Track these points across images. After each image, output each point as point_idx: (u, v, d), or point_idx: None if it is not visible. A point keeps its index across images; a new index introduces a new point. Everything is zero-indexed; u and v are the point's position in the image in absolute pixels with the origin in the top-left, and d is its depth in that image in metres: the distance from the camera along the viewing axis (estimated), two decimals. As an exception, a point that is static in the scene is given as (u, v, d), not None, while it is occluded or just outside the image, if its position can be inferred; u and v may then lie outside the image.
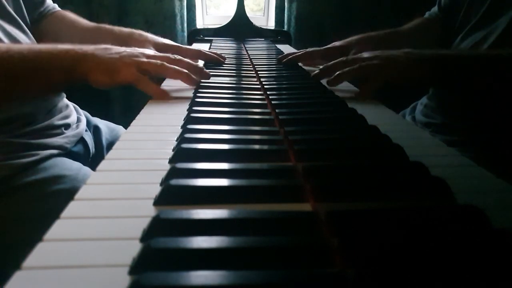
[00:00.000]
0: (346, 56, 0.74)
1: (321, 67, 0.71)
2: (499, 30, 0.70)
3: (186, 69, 0.65)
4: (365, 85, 0.66)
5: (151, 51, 0.66)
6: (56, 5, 0.86)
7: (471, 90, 0.71)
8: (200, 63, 0.84)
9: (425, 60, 0.65)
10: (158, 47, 0.82)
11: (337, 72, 0.65)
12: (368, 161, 0.39)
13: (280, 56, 0.93)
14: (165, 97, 0.62)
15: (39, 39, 0.76)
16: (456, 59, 0.67)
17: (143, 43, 0.81)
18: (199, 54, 0.87)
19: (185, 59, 0.67)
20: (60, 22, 0.84)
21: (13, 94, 0.58)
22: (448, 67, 0.65)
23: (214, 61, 0.87)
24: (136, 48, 0.64)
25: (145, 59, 0.62)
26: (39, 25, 0.81)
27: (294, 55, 0.92)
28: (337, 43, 0.90)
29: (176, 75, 0.64)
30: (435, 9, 0.93)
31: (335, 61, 0.69)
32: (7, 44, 0.55)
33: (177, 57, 0.66)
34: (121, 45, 0.64)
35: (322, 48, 0.90)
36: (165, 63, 0.63)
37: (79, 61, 0.57)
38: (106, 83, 0.59)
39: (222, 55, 0.90)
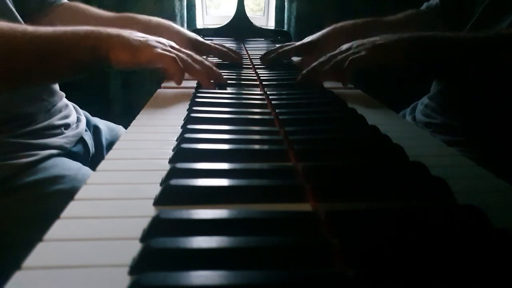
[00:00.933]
0: (320, 50, 0.72)
1: (303, 71, 0.68)
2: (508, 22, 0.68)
3: (207, 71, 0.64)
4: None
5: (175, 45, 0.65)
6: None
7: (462, 76, 0.68)
8: None
9: (409, 40, 0.62)
10: (188, 41, 0.80)
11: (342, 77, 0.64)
12: (368, 161, 0.39)
13: (262, 58, 0.91)
14: (180, 81, 0.61)
15: None
16: (445, 40, 0.63)
17: (175, 38, 0.76)
18: (224, 54, 0.87)
19: (207, 63, 0.66)
20: (70, 13, 0.82)
21: (40, 74, 0.57)
22: (435, 48, 0.62)
23: (235, 61, 0.86)
24: (162, 39, 0.64)
25: (169, 48, 0.61)
26: (45, 18, 0.79)
27: (270, 56, 0.90)
28: (307, 40, 0.88)
29: (197, 75, 0.64)
30: (434, 1, 0.88)
31: (318, 62, 0.67)
32: (33, 26, 0.55)
33: (200, 58, 0.66)
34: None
35: (295, 45, 0.88)
36: (189, 60, 0.62)
37: (102, 40, 0.57)
38: (127, 62, 0.58)
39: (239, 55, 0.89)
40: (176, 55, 0.61)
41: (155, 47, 0.60)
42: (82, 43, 0.57)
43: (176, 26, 0.84)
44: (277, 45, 0.95)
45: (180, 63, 0.60)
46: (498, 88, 0.70)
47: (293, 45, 0.89)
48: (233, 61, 0.87)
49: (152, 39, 0.62)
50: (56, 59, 0.56)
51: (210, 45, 0.86)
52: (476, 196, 0.32)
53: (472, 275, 0.22)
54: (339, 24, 0.86)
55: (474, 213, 0.27)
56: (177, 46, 0.65)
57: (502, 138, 0.70)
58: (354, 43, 0.66)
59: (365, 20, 0.87)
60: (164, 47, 0.61)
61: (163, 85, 0.72)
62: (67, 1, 0.84)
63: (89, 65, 0.59)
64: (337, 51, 0.67)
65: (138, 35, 0.61)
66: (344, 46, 0.67)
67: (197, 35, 0.86)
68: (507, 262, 0.23)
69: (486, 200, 0.31)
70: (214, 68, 0.68)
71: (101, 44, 0.57)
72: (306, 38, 0.89)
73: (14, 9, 0.69)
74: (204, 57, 0.71)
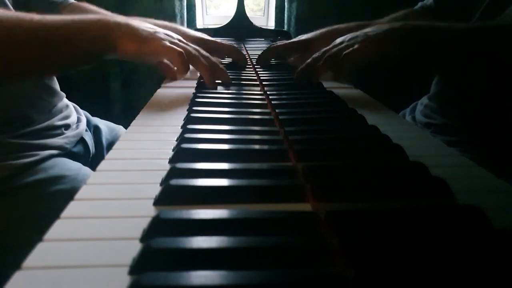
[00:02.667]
0: (314, 48, 0.72)
1: (298, 69, 0.68)
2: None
3: (212, 68, 0.64)
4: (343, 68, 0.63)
5: (183, 40, 0.65)
6: None
7: (457, 67, 0.66)
8: None
9: (402, 29, 0.60)
10: (194, 40, 0.80)
11: (337, 70, 0.63)
12: (368, 161, 0.39)
13: (258, 60, 0.91)
14: (182, 74, 0.61)
15: None
16: (440, 29, 0.61)
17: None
18: (232, 50, 0.86)
19: (213, 59, 0.66)
20: (79, 12, 0.81)
21: (47, 63, 0.57)
22: (430, 37, 0.61)
23: (240, 61, 0.86)
24: (170, 32, 0.64)
25: (177, 41, 0.61)
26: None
27: (263, 54, 0.89)
28: (303, 37, 0.87)
29: (202, 69, 0.63)
30: (428, 1, 0.88)
31: (312, 58, 0.67)
32: (40, 15, 0.54)
33: (206, 54, 0.65)
34: None
35: (282, 44, 0.89)
36: (197, 53, 0.62)
37: (111, 29, 0.57)
38: (134, 52, 0.57)
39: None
40: (184, 48, 0.61)
41: (163, 39, 0.59)
42: (90, 31, 0.56)
43: (183, 28, 0.85)
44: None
45: (186, 57, 0.60)
46: (497, 87, 0.70)
47: (284, 42, 0.89)
48: (239, 60, 0.86)
49: (161, 31, 0.61)
50: (63, 48, 0.55)
51: (217, 42, 0.86)
52: (476, 196, 0.32)
53: (472, 275, 0.22)
54: (333, 26, 0.86)
55: (474, 213, 0.27)
56: (184, 41, 0.65)
57: (502, 138, 0.70)
58: (347, 36, 0.64)
59: (359, 23, 0.86)
60: (172, 40, 0.61)
61: (163, 85, 0.72)
62: (74, 1, 0.84)
63: (96, 54, 0.58)
64: (330, 45, 0.66)
65: (147, 26, 0.60)
66: (338, 40, 0.66)
67: (205, 34, 0.86)
68: (507, 262, 0.23)
69: (486, 200, 0.31)
70: (220, 65, 0.68)
71: (109, 32, 0.56)
72: (299, 36, 0.88)
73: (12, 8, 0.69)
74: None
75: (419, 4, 0.90)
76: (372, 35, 0.61)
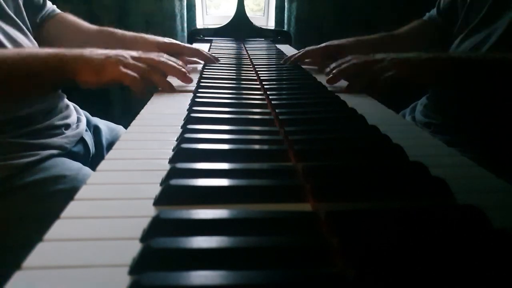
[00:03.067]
0: (341, 54, 0.76)
1: (334, 71, 0.71)
2: (498, 32, 0.70)
3: (170, 71, 0.67)
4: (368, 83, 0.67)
5: (136, 53, 0.67)
6: (55, 7, 0.87)
7: (476, 93, 0.73)
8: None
9: (434, 60, 0.66)
10: (161, 46, 0.85)
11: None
12: (368, 161, 0.39)
13: (283, 60, 0.95)
14: (142, 92, 0.62)
15: (41, 43, 0.76)
16: (468, 62, 0.67)
17: (147, 46, 0.83)
18: (197, 53, 0.91)
19: (169, 62, 0.68)
20: (62, 25, 0.85)
21: (9, 95, 0.60)
22: (458, 69, 0.66)
23: (209, 61, 0.90)
24: (121, 51, 0.65)
25: (130, 60, 0.63)
26: (42, 30, 0.82)
27: (294, 56, 0.93)
28: (335, 42, 0.92)
29: (157, 79, 0.65)
30: (434, 12, 0.93)
31: (347, 64, 0.70)
32: (1, 49, 0.58)
33: (162, 60, 0.67)
34: (124, 49, 0.66)
35: (319, 46, 0.92)
36: (146, 67, 0.63)
37: (67, 63, 0.60)
38: (93, 82, 0.60)
39: (216, 57, 0.93)
40: (134, 66, 0.62)
41: (116, 64, 0.61)
42: (47, 65, 0.59)
43: (151, 37, 0.88)
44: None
45: (141, 75, 0.62)
46: (497, 87, 0.71)
47: (319, 46, 0.92)
48: (204, 60, 0.90)
49: (112, 53, 0.63)
50: (26, 81, 0.59)
51: (181, 45, 0.91)
52: (476, 196, 0.32)
53: (472, 275, 0.22)
54: (360, 37, 0.93)
55: (474, 213, 0.27)
56: (137, 55, 0.66)
57: (501, 138, 0.70)
58: (387, 56, 0.68)
59: (383, 35, 0.95)
60: (125, 60, 0.62)
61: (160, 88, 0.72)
62: (60, 12, 0.87)
63: (59, 84, 0.63)
64: (371, 57, 0.69)
65: (99, 54, 0.62)
66: (378, 56, 0.69)
67: (171, 40, 0.90)
68: (507, 262, 0.23)
69: (486, 200, 0.31)
70: (178, 67, 0.69)
71: (65, 66, 0.60)
72: (330, 42, 0.92)
73: (13, 15, 0.69)
74: None
75: (427, 15, 0.96)
76: (411, 64, 0.66)
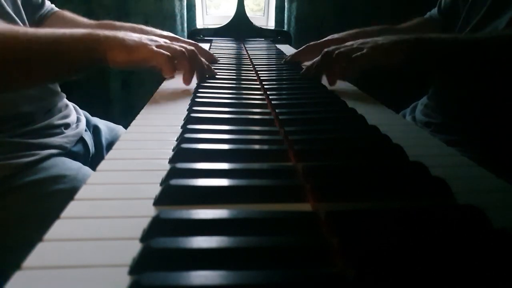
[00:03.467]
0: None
1: (308, 65, 0.72)
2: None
3: (198, 66, 0.67)
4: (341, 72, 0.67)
5: (167, 40, 0.68)
6: (53, 6, 0.87)
7: (460, 75, 0.72)
8: None
9: (409, 41, 0.65)
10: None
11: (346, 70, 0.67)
12: (368, 161, 0.39)
13: (284, 60, 0.95)
14: (171, 74, 0.64)
15: None
16: (443, 41, 0.67)
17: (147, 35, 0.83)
18: (196, 48, 0.89)
19: (199, 57, 0.69)
20: (61, 22, 0.85)
21: (40, 75, 0.59)
22: (433, 49, 0.65)
23: (209, 59, 0.88)
24: (154, 37, 0.66)
25: (162, 42, 0.64)
26: (41, 27, 0.82)
27: (295, 52, 0.94)
28: (335, 36, 0.93)
29: (186, 67, 0.65)
30: (435, 11, 0.94)
31: (322, 58, 0.70)
32: (33, 28, 0.56)
33: (193, 50, 0.68)
34: None
35: (321, 41, 0.92)
36: (184, 50, 0.64)
37: (99, 41, 0.59)
38: (124, 61, 0.60)
39: (216, 57, 0.93)
40: (169, 49, 0.63)
41: (149, 45, 0.62)
42: (81, 44, 0.58)
43: (148, 28, 0.88)
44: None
45: (173, 57, 0.63)
46: (496, 86, 0.71)
47: (320, 41, 0.92)
48: (207, 59, 0.90)
49: (145, 37, 0.64)
50: (56, 60, 0.57)
51: (179, 39, 0.89)
52: (476, 196, 0.32)
53: (472, 275, 0.22)
54: (362, 29, 0.93)
55: (474, 213, 0.27)
56: (168, 41, 0.67)
57: (501, 138, 0.70)
58: (359, 40, 0.68)
59: (384, 27, 0.94)
60: (158, 44, 0.64)
61: (163, 84, 0.72)
62: (58, 10, 0.87)
63: (87, 66, 0.61)
64: (341, 46, 0.70)
65: (132, 35, 0.62)
66: (349, 43, 0.70)
67: (169, 33, 0.88)
68: (507, 262, 0.23)
69: (486, 200, 0.31)
70: (208, 63, 0.70)
71: (98, 45, 0.59)
72: (331, 36, 0.93)
73: (12, 13, 0.69)
74: None
75: (428, 13, 0.96)
76: (380, 43, 0.65)
